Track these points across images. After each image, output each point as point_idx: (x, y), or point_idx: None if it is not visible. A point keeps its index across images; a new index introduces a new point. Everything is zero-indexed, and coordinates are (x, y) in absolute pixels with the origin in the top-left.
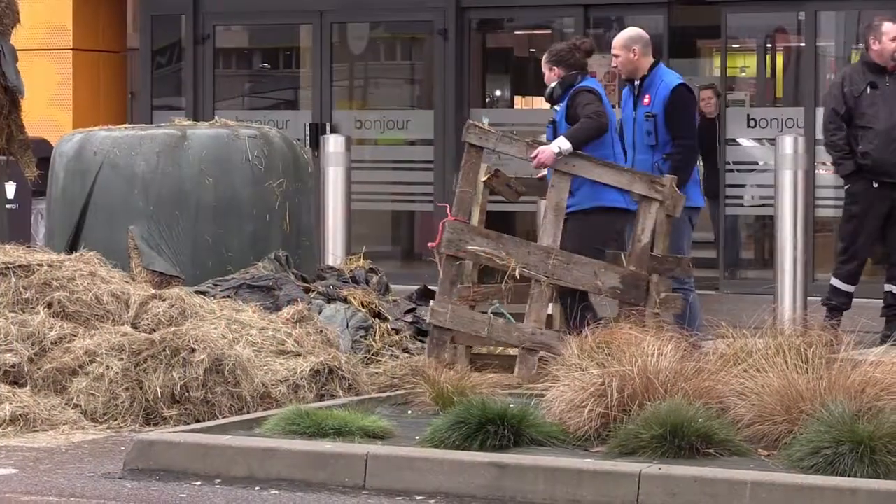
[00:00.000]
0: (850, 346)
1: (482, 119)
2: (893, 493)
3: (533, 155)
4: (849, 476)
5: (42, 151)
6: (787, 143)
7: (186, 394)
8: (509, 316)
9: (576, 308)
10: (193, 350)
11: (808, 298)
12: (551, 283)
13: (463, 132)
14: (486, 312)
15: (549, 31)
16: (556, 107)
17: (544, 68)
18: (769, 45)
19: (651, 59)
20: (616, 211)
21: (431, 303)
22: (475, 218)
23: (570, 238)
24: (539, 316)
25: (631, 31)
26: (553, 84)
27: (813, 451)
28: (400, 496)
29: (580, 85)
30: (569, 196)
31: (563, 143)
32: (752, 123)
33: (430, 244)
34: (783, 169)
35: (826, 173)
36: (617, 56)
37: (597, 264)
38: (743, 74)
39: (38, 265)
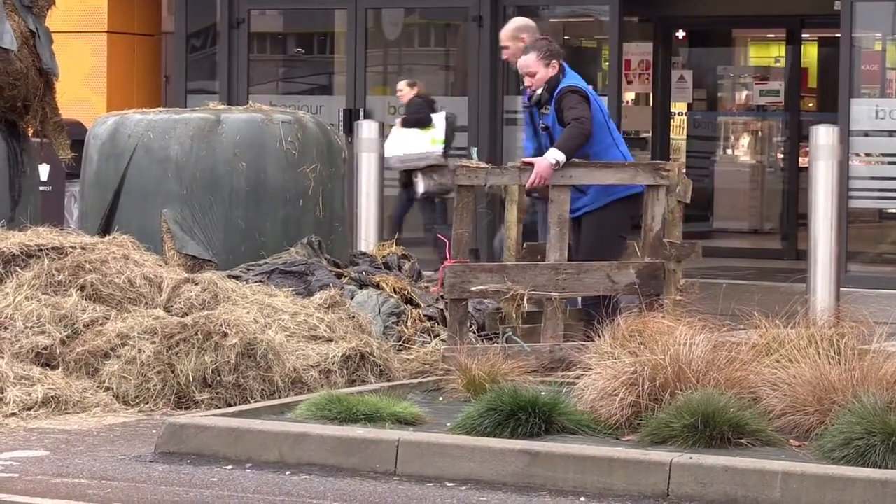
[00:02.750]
0: (882, 338)
1: (471, 151)
2: None
3: (530, 178)
4: (880, 467)
5: (76, 134)
6: (822, 133)
7: (218, 378)
8: (523, 344)
9: (602, 312)
10: (225, 334)
11: (841, 289)
12: (564, 297)
13: (454, 175)
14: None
15: (584, 19)
16: (544, 110)
17: (534, 65)
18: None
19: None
20: (632, 197)
21: (442, 347)
22: (513, 218)
23: (588, 236)
24: (556, 332)
25: (518, 21)
26: (541, 89)
27: (844, 443)
28: (431, 482)
29: (565, 84)
30: (581, 196)
31: (558, 156)
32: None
33: (432, 288)
34: (817, 160)
35: (860, 164)
36: (506, 47)
37: (608, 266)
38: (777, 65)
39: (72, 248)
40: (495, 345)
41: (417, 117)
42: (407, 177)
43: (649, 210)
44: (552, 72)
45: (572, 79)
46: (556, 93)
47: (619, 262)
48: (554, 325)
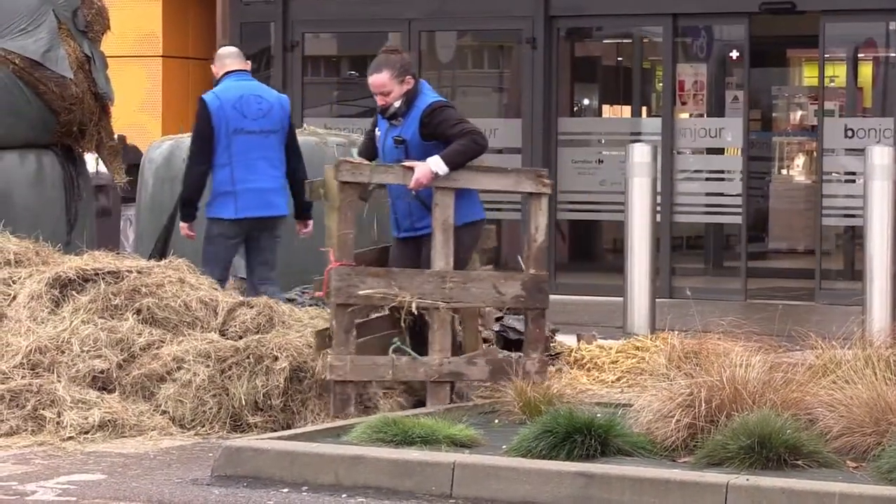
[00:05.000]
0: None
1: (352, 151)
2: None
3: (412, 180)
4: None
5: (131, 158)
6: (877, 153)
7: (269, 402)
8: (412, 352)
9: None
10: (276, 358)
11: None
12: (451, 306)
13: (334, 172)
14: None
15: (638, 41)
16: (396, 122)
17: (387, 82)
18: (860, 56)
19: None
20: (479, 223)
21: (329, 357)
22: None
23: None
24: (443, 345)
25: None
26: (398, 103)
27: None
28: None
29: (434, 100)
30: (430, 214)
31: (440, 167)
32: (849, 133)
33: (317, 293)
34: (872, 179)
35: None
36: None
37: (496, 276)
38: (832, 84)
39: (128, 271)
40: (386, 356)
41: None
42: None
43: (532, 220)
44: (407, 86)
45: (434, 94)
46: (420, 108)
47: (506, 274)
48: (442, 337)
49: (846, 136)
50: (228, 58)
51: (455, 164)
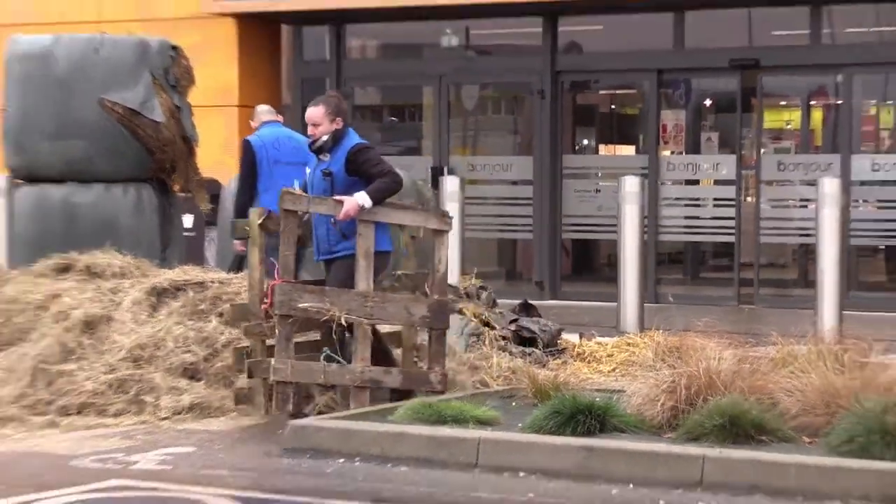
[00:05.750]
0: (879, 352)
1: (294, 182)
2: None
3: (341, 212)
4: (878, 460)
5: (214, 189)
6: (828, 184)
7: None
8: (341, 360)
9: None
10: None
11: (843, 312)
12: (371, 322)
13: (281, 201)
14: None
15: (629, 91)
16: (324, 157)
17: (320, 118)
18: (811, 103)
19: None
20: (387, 253)
21: (272, 361)
22: (255, 261)
23: (339, 273)
24: (365, 355)
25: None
26: (326, 138)
27: (848, 439)
28: (506, 472)
29: (358, 141)
30: (344, 240)
31: (366, 201)
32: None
33: (262, 306)
34: (824, 206)
35: (861, 208)
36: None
37: (406, 299)
38: (788, 127)
39: (211, 282)
40: (317, 362)
41: None
42: None
43: (436, 253)
44: (336, 126)
45: (358, 137)
46: (346, 146)
47: (415, 297)
48: (363, 349)
49: (778, 170)
50: (263, 113)
51: (378, 200)
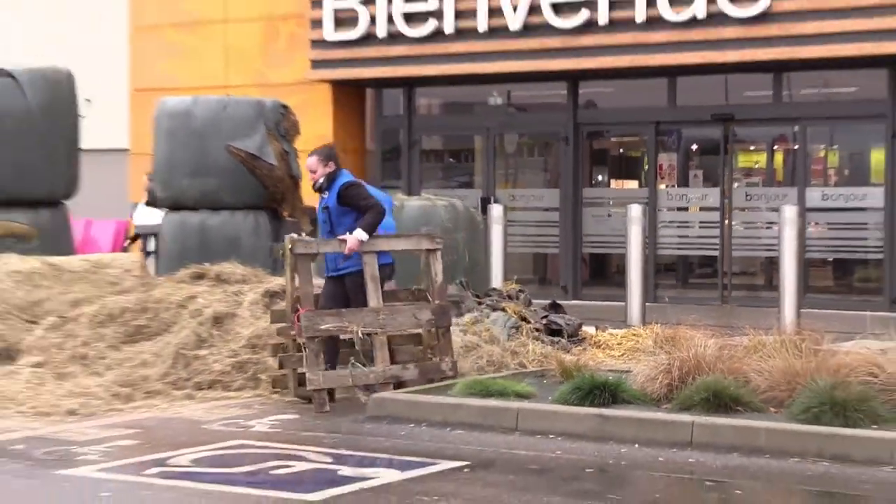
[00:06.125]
0: (829, 342)
1: (293, 236)
2: (857, 437)
3: (346, 248)
4: (828, 426)
5: (312, 215)
6: (787, 210)
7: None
8: (361, 367)
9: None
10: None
11: (801, 310)
12: (384, 332)
13: (291, 248)
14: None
15: (634, 137)
16: (324, 194)
17: (316, 165)
18: (774, 147)
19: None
20: (390, 265)
21: (307, 374)
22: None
23: (353, 287)
24: (384, 357)
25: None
26: (322, 179)
27: (805, 410)
28: (539, 435)
29: (347, 179)
30: (347, 260)
31: (363, 235)
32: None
33: (291, 332)
34: (784, 228)
35: (813, 229)
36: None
37: (412, 307)
38: (756, 166)
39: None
40: (346, 369)
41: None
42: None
43: (432, 267)
44: (329, 169)
45: (349, 176)
46: (338, 184)
47: (420, 304)
48: (383, 353)
49: (747, 200)
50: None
51: (370, 231)
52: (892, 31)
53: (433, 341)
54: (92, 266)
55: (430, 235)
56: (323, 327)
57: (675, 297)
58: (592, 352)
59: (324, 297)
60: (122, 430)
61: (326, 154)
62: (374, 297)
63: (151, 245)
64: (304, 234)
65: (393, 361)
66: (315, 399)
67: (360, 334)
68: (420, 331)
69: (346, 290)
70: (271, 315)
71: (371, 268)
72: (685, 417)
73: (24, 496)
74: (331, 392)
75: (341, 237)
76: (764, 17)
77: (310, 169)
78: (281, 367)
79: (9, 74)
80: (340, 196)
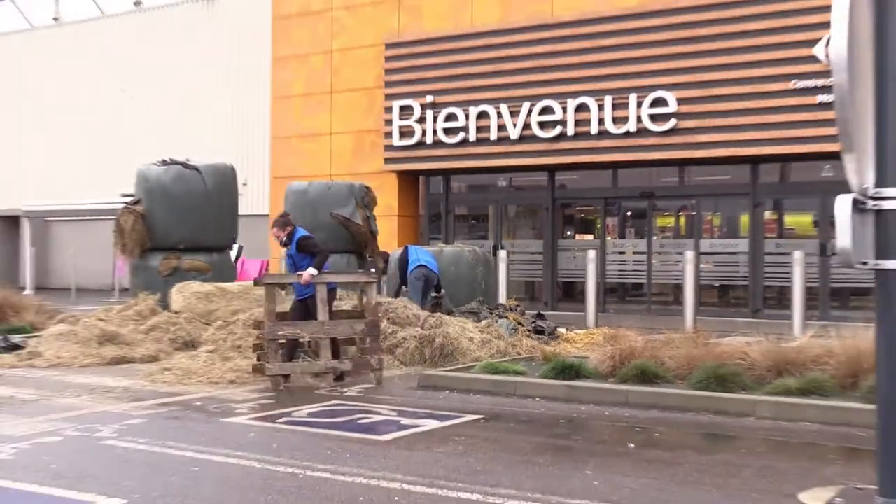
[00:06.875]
0: (715, 338)
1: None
2: (732, 398)
3: (302, 280)
4: (714, 392)
5: (385, 257)
6: (688, 254)
7: (435, 358)
8: (312, 360)
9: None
10: (435, 339)
11: (697, 318)
12: (329, 336)
13: (263, 280)
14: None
15: (590, 208)
16: (288, 248)
17: (278, 232)
18: (679, 213)
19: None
20: (331, 291)
21: (268, 364)
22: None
23: (312, 306)
24: (327, 354)
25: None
26: (284, 237)
27: (699, 381)
28: (529, 398)
29: (302, 234)
30: (306, 288)
31: (313, 271)
32: (670, 245)
33: (258, 335)
34: (686, 265)
35: (704, 266)
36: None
37: (350, 322)
38: (669, 225)
39: (380, 303)
40: (298, 361)
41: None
42: None
43: (368, 293)
44: (288, 229)
45: (303, 231)
46: (296, 238)
47: (357, 319)
48: (325, 352)
49: (662, 247)
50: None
51: (318, 268)
52: (751, 140)
53: (365, 345)
54: (245, 289)
55: (368, 273)
56: (280, 333)
57: (617, 309)
58: (564, 345)
59: (294, 313)
60: (262, 394)
61: (283, 222)
62: (322, 313)
63: None
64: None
65: (337, 357)
66: (272, 381)
67: (307, 339)
68: (358, 336)
69: (307, 308)
70: (253, 325)
71: (321, 293)
72: (623, 387)
73: (204, 433)
74: (286, 376)
75: (299, 272)
76: (672, 131)
77: (274, 235)
78: (258, 358)
79: (196, 168)
80: (299, 246)
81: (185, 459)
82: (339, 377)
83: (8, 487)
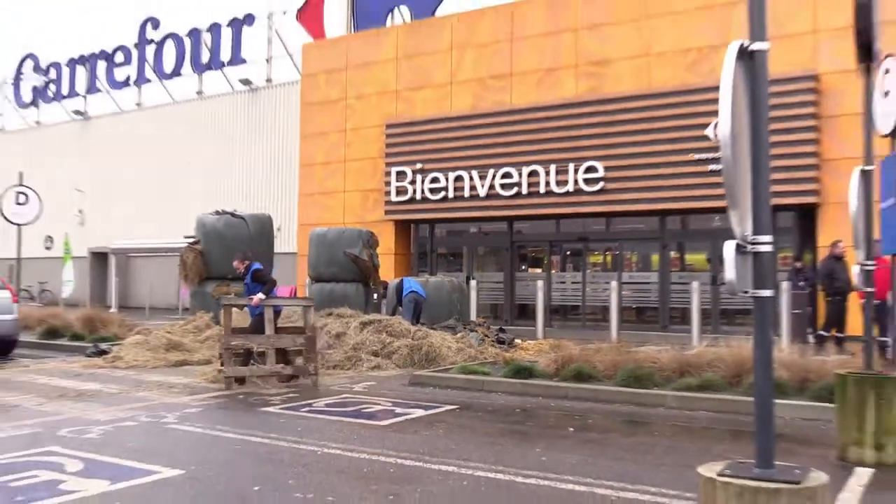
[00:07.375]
0: (633, 347)
1: (260, 296)
2: (647, 393)
3: (253, 302)
4: (633, 388)
5: (385, 285)
6: (613, 284)
7: (422, 362)
8: (261, 365)
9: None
10: (421, 346)
11: (619, 331)
12: (274, 347)
13: (219, 301)
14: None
15: (540, 248)
16: (245, 278)
17: (238, 264)
18: (606, 252)
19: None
20: (277, 312)
21: (224, 368)
22: (228, 322)
23: (257, 322)
24: (272, 361)
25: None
26: (243, 269)
27: (622, 380)
28: (494, 392)
29: (256, 267)
30: (256, 309)
31: (262, 296)
32: (599, 278)
33: (218, 346)
34: (612, 292)
35: (626, 293)
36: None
37: (292, 336)
38: (599, 261)
39: (379, 320)
40: (248, 366)
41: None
42: None
43: (306, 316)
44: (246, 263)
45: (257, 265)
46: (252, 270)
47: (296, 334)
48: (271, 360)
49: (591, 279)
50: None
51: (267, 294)
52: (660, 198)
53: (305, 354)
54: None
55: (308, 300)
56: (233, 343)
57: (560, 325)
58: (519, 352)
59: (250, 327)
60: (290, 390)
61: (242, 256)
62: (269, 329)
63: None
64: (379, 294)
65: (285, 363)
66: (225, 382)
67: (256, 349)
68: (300, 348)
69: (252, 322)
70: (216, 337)
71: (268, 313)
72: (564, 384)
73: (244, 419)
74: (239, 379)
75: (251, 296)
76: (602, 191)
77: (235, 267)
78: (221, 364)
79: (242, 217)
80: (253, 276)
81: (230, 439)
82: (289, 379)
83: (97, 459)
